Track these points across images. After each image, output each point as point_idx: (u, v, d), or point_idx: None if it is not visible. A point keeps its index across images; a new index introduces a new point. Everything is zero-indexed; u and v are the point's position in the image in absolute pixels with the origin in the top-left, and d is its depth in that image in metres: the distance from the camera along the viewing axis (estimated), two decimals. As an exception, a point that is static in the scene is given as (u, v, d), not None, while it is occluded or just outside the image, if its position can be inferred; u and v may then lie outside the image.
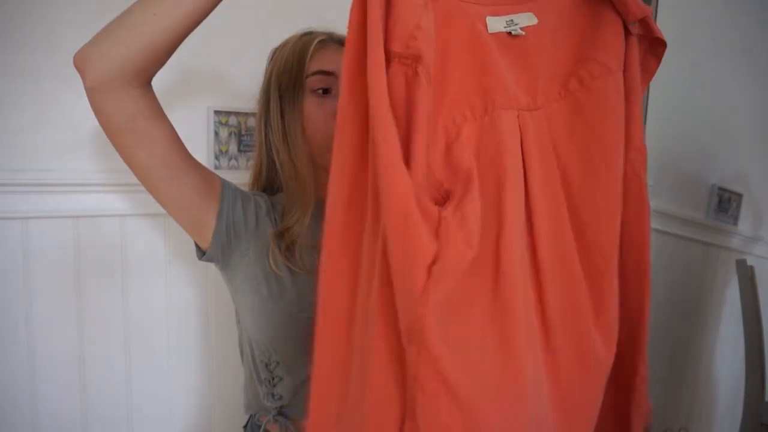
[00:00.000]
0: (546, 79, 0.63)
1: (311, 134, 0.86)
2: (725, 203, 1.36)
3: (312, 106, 0.85)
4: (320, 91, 0.85)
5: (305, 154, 0.86)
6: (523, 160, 0.58)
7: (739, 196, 1.35)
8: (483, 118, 0.58)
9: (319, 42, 0.87)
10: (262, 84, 0.92)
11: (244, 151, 1.17)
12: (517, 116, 0.60)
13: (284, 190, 0.88)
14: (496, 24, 0.62)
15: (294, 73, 0.86)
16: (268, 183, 0.93)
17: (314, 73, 0.85)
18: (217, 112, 1.13)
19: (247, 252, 0.83)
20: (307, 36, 0.88)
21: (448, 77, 0.58)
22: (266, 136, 0.90)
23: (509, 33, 0.63)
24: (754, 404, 1.26)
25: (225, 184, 0.83)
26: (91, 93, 0.67)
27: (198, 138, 1.13)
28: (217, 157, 1.14)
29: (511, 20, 0.63)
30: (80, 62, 0.67)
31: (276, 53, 0.91)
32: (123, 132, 0.70)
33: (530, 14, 0.64)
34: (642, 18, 0.65)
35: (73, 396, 1.05)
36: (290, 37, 0.91)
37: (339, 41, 0.89)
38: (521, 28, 0.63)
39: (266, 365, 0.85)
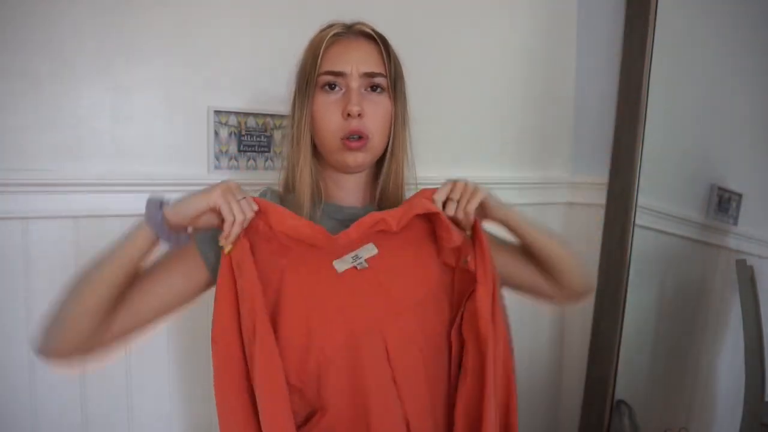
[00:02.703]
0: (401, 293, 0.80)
1: (317, 129, 0.84)
2: (725, 203, 1.35)
3: (319, 101, 0.84)
4: (327, 87, 0.84)
5: (309, 153, 0.85)
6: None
7: (739, 196, 1.35)
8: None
9: (334, 36, 0.85)
10: None
11: (244, 151, 1.17)
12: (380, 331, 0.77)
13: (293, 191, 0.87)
14: (342, 265, 0.78)
15: (307, 70, 0.84)
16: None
17: (324, 73, 0.83)
18: (217, 112, 1.13)
19: None
20: (325, 30, 0.86)
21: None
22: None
23: (356, 267, 0.78)
24: (754, 404, 1.26)
25: (199, 241, 0.83)
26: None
27: (198, 138, 1.13)
28: (217, 157, 1.14)
29: (355, 255, 0.79)
30: (39, 351, 0.76)
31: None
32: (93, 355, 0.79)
33: (371, 245, 0.80)
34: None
35: (73, 396, 1.05)
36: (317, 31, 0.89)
37: (358, 32, 0.86)
38: (366, 260, 0.79)
39: None
